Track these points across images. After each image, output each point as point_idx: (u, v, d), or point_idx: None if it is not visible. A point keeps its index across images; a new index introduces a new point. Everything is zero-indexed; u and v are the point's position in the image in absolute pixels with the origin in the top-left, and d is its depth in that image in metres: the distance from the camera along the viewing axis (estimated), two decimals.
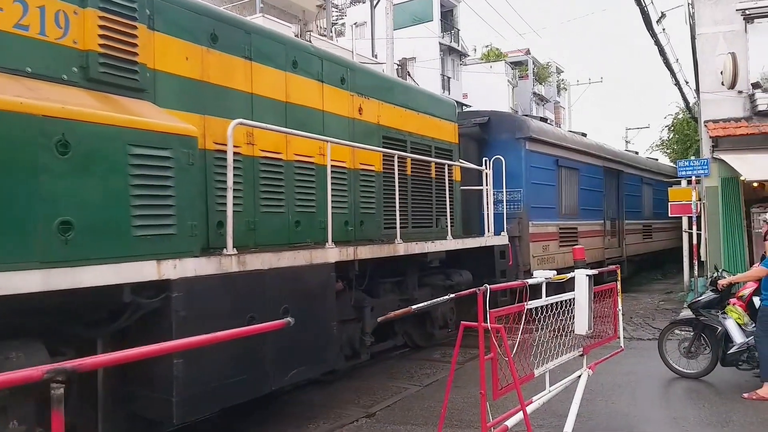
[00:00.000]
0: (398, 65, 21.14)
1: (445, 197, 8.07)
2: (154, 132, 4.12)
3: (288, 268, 5.13)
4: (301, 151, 6.09)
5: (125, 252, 3.89)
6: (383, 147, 7.33)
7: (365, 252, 6.15)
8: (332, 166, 6.33)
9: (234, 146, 5.27)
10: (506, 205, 9.61)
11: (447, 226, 8.02)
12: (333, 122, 6.62)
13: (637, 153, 21.54)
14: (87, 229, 3.66)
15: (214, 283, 4.48)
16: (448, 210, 8.04)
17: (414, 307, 4.49)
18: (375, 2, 24.97)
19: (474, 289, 4.11)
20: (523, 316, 4.32)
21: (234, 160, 5.26)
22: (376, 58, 23.68)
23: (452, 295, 4.62)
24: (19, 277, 3.31)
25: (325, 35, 21.74)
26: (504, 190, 9.42)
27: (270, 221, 5.74)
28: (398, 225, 6.81)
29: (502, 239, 9.35)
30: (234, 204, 5.22)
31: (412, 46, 30.39)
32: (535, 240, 11.10)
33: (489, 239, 9.01)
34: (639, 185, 17.83)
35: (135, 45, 4.54)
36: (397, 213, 6.83)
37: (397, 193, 6.84)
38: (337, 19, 30.27)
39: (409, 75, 22.24)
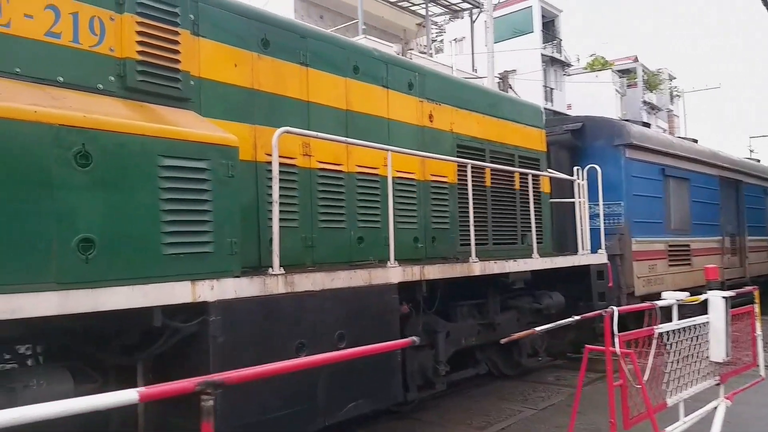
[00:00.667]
0: (499, 78, 20.62)
1: (531, 211, 7.27)
2: (188, 142, 3.79)
3: (343, 289, 4.64)
4: (364, 162, 5.63)
5: (155, 272, 3.56)
6: (458, 156, 6.71)
7: (434, 271, 5.54)
8: (399, 177, 5.87)
9: (289, 157, 4.94)
10: (604, 219, 8.62)
11: (533, 243, 7.22)
12: (400, 131, 6.11)
13: (758, 161, 19.34)
14: (111, 247, 3.36)
15: (258, 306, 4.08)
16: (533, 225, 7.24)
17: (538, 328, 4.56)
18: (474, 17, 24.69)
19: (600, 311, 4.14)
20: (654, 341, 4.23)
21: (289, 173, 4.94)
22: (476, 72, 23.34)
23: (577, 317, 4.58)
24: (34, 299, 3.04)
25: (425, 53, 21.75)
26: (600, 202, 8.45)
27: (330, 238, 5.30)
28: (473, 242, 6.14)
29: (600, 257, 8.38)
30: (289, 219, 4.89)
31: (513, 59, 29.69)
32: (640, 258, 9.94)
33: (584, 257, 8.08)
34: (763, 197, 15.84)
35: (177, 52, 4.28)
36: (472, 228, 6.17)
37: (471, 206, 6.18)
38: (436, 36, 30.37)
39: (511, 88, 21.62)
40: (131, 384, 4.01)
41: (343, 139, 5.12)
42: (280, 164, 4.70)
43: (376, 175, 5.69)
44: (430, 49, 24.73)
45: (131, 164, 3.50)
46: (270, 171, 4.75)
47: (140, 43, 4.07)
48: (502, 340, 5.35)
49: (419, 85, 6.42)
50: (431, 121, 6.55)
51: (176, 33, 4.29)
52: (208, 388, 2.29)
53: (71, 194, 3.23)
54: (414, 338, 3.58)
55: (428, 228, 6.36)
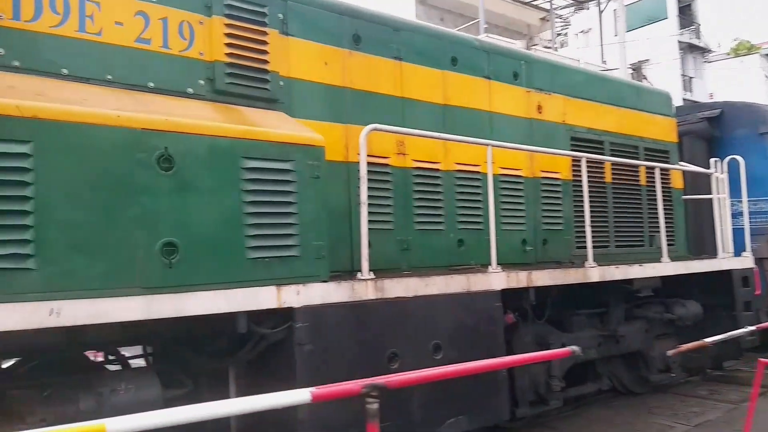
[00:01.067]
0: (632, 69, 19.31)
1: (660, 209, 6.47)
2: (271, 143, 3.68)
3: (439, 296, 4.32)
4: (464, 159, 5.26)
5: (239, 276, 3.46)
6: (573, 150, 6.13)
7: (543, 277, 5.04)
8: (504, 174, 5.47)
9: (382, 157, 4.73)
10: (749, 217, 7.53)
11: (662, 245, 6.43)
12: (504, 124, 5.67)
13: None
14: (194, 251, 3.30)
15: (346, 313, 3.87)
16: (662, 224, 6.44)
17: (709, 339, 4.33)
18: (602, 7, 23.41)
19: None
20: None
21: (382, 172, 4.72)
22: (605, 64, 22.13)
23: (752, 327, 4.58)
24: (118, 304, 3.04)
25: (549, 47, 20.99)
26: (744, 198, 7.39)
27: (427, 240, 5.00)
28: (589, 244, 5.53)
29: (745, 261, 7.32)
30: (383, 221, 4.68)
31: (646, 48, 27.72)
32: None
33: (725, 261, 7.10)
34: None
35: (265, 52, 4.21)
36: (588, 229, 5.56)
37: (586, 204, 5.58)
38: (561, 30, 29.18)
39: (645, 78, 20.16)
40: (223, 389, 3.96)
41: (437, 134, 4.79)
42: (373, 164, 4.52)
43: (478, 172, 5.30)
44: (554, 43, 23.71)
45: (214, 166, 3.43)
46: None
47: (229, 45, 4.04)
48: (670, 352, 4.84)
49: (526, 75, 5.93)
50: (540, 113, 6.02)
51: (264, 33, 4.22)
52: (373, 391, 2.45)
53: (154, 198, 3.20)
54: (574, 348, 3.48)
55: (538, 229, 5.85)
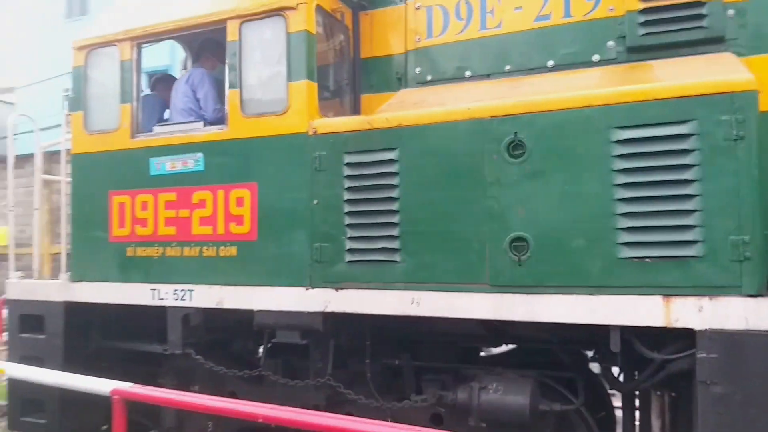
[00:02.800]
0: None
1: None
2: (656, 102, 2.71)
3: None
4: None
5: (606, 281, 2.78)
6: None
7: None
8: None
9: None
10: None
11: None
12: None
13: None
14: (547, 247, 2.89)
15: None
16: None
17: None
18: None
19: None
20: None
21: None
22: None
23: None
24: (469, 300, 3.03)
25: None
26: None
27: None
28: None
29: None
30: None
31: None
32: None
33: None
34: None
35: None
36: None
37: None
38: None
39: None
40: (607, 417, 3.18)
41: None
42: None
43: None
44: None
45: (573, 146, 2.87)
46: None
47: None
48: None
49: None
50: None
51: None
52: None
53: (503, 189, 2.99)
54: None
55: None
